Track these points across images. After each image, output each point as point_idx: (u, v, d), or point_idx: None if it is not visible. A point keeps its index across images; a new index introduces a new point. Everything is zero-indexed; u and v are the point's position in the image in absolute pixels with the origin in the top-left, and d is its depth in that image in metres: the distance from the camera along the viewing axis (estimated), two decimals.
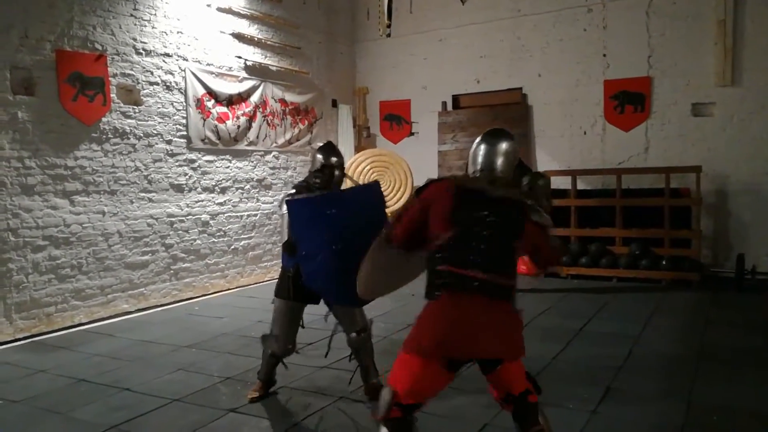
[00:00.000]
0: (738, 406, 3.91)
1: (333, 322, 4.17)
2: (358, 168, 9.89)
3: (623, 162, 8.69)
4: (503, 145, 2.83)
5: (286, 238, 3.88)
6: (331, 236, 3.55)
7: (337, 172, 4.13)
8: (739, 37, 8.01)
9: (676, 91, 8.38)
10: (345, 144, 10.39)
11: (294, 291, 3.97)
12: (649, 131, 8.61)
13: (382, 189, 10.26)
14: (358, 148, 10.54)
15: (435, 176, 9.90)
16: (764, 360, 4.85)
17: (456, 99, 10.20)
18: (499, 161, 2.81)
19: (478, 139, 2.91)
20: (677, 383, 4.32)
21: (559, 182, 8.63)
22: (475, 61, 9.82)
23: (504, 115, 9.58)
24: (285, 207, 3.77)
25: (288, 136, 9.22)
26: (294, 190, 4.10)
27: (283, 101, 9.12)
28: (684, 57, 8.33)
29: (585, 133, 9.06)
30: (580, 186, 8.68)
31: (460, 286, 2.54)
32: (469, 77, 9.92)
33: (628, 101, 8.66)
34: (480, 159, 2.82)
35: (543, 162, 9.29)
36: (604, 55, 8.88)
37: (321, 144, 4.34)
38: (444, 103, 10.14)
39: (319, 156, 4.14)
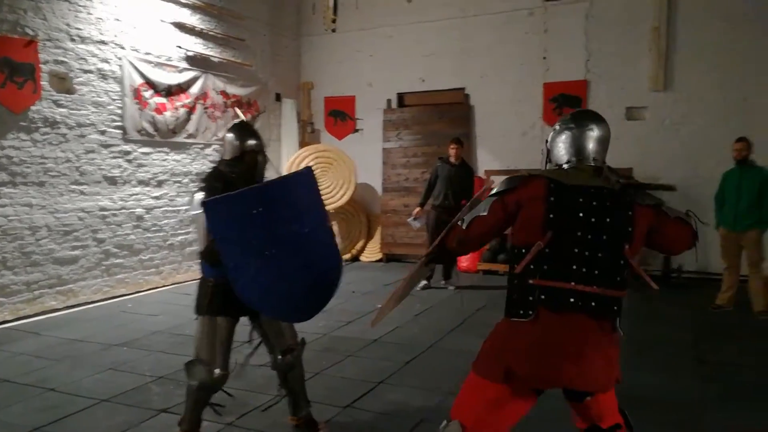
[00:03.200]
0: (664, 396, 4.08)
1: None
2: (302, 164, 9.80)
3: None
4: (600, 131, 2.35)
5: (204, 245, 3.07)
6: (261, 240, 2.91)
7: (259, 158, 3.33)
8: (672, 44, 8.36)
9: (611, 95, 8.67)
10: (289, 139, 10.29)
11: (221, 304, 3.18)
12: None
13: (326, 186, 10.18)
14: (302, 144, 10.45)
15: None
16: (689, 352, 5.09)
17: (401, 97, 10.24)
18: (596, 149, 2.34)
19: (563, 124, 2.41)
20: None
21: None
22: (421, 59, 9.88)
23: (448, 114, 9.68)
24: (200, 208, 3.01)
25: None
26: (204, 184, 3.24)
27: (224, 93, 8.93)
28: (620, 62, 8.63)
29: (524, 133, 9.25)
30: None
31: (559, 303, 2.15)
32: (415, 76, 9.97)
33: (566, 104, 8.88)
34: (573, 147, 2.35)
35: (485, 161, 9.45)
36: (545, 58, 9.09)
37: (234, 124, 3.49)
38: (389, 101, 10.17)
39: (234, 140, 3.29)
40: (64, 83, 6.70)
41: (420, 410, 3.88)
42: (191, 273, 8.37)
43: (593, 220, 2.18)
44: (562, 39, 8.95)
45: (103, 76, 7.12)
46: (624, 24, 8.60)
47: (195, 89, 8.37)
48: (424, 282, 7.71)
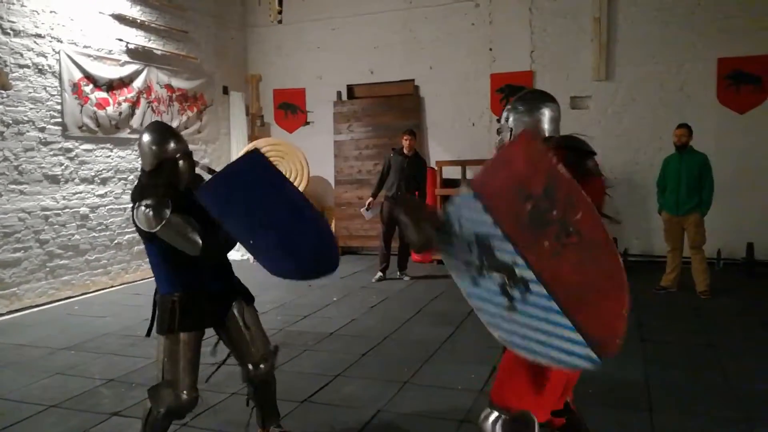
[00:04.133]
0: (611, 376, 4.21)
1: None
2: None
3: None
4: (557, 109, 2.47)
5: (197, 245, 2.76)
6: (266, 208, 2.71)
7: (182, 163, 2.91)
8: (613, 34, 8.58)
9: (556, 85, 8.82)
10: (238, 133, 10.12)
11: (186, 319, 2.88)
12: None
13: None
14: (252, 138, 10.29)
15: (332, 163, 9.88)
16: (634, 333, 5.27)
17: (351, 89, 10.20)
18: (557, 126, 2.45)
19: (525, 104, 2.45)
20: None
21: (450, 172, 8.88)
22: (369, 51, 9.86)
23: (398, 106, 9.71)
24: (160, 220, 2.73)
25: (175, 123, 8.82)
26: (140, 196, 2.83)
27: (169, 87, 8.72)
28: (563, 52, 8.82)
29: (473, 124, 9.37)
30: (470, 175, 8.98)
31: None
32: (364, 67, 9.94)
33: (512, 94, 8.98)
34: (554, 125, 2.43)
35: (436, 152, 9.52)
36: (491, 50, 9.21)
37: (148, 125, 3.03)
38: (339, 93, 10.12)
39: (151, 146, 2.86)
40: None
41: (377, 401, 3.91)
42: (140, 272, 8.17)
43: None
44: (507, 30, 9.07)
45: (40, 70, 6.85)
46: (566, 15, 8.77)
47: (138, 83, 8.14)
48: (379, 274, 7.75)
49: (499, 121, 2.57)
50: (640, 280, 7.40)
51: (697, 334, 5.30)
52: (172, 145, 2.89)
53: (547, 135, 2.42)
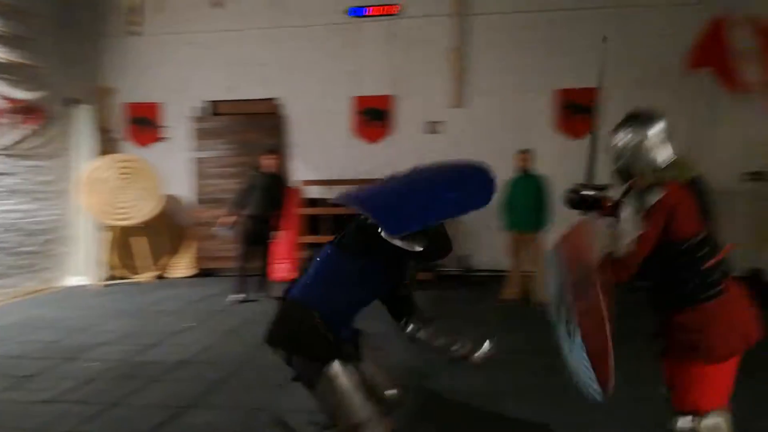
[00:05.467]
0: (471, 389, 4.39)
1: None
2: (104, 175, 9.06)
3: (370, 172, 9.25)
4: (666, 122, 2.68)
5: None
6: None
7: None
8: (467, 64, 9.13)
9: (413, 110, 9.24)
10: (84, 148, 9.45)
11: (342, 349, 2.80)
12: (391, 145, 9.35)
13: (129, 199, 9.46)
14: (100, 153, 9.65)
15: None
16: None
17: (213, 105, 9.94)
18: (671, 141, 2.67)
19: (651, 124, 2.62)
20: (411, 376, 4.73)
21: (313, 192, 8.93)
22: (230, 67, 9.68)
23: (261, 124, 9.60)
24: None
25: (14, 137, 8.08)
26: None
27: (6, 97, 7.97)
28: (421, 79, 9.22)
29: (336, 145, 9.50)
30: (332, 195, 9.07)
31: (730, 271, 2.53)
32: (223, 84, 9.74)
33: (374, 117, 9.31)
34: (668, 145, 2.63)
35: (299, 171, 9.52)
36: (354, 73, 9.41)
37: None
38: (200, 109, 9.81)
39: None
40: None
41: (232, 429, 3.81)
42: None
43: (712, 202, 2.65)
44: (371, 55, 9.34)
45: None
46: (424, 43, 9.20)
47: None
48: (237, 296, 7.57)
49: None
50: (488, 294, 7.86)
51: (539, 342, 5.66)
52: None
53: (659, 161, 2.61)
